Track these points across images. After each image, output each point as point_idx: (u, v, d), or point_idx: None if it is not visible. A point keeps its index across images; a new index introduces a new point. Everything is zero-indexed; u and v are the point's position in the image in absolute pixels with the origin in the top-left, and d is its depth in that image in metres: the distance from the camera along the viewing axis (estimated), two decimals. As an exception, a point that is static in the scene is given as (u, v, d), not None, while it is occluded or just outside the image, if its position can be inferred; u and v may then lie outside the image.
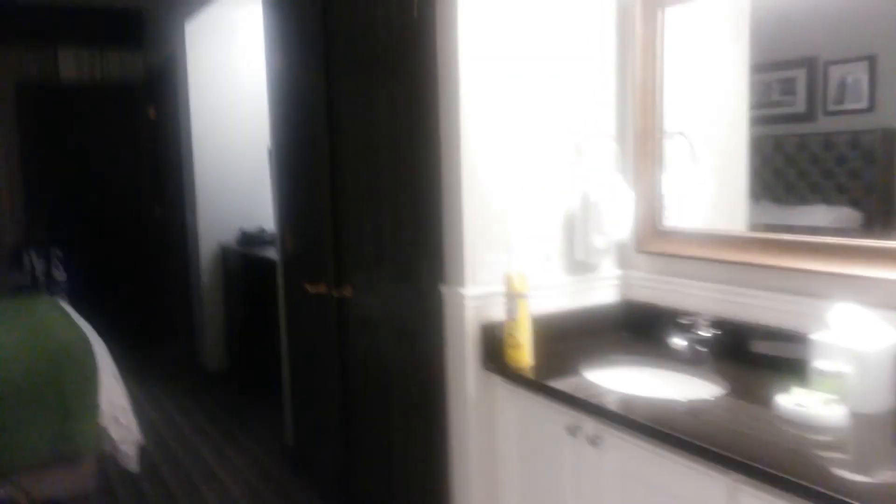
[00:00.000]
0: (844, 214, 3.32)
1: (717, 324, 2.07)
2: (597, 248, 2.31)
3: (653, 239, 2.33)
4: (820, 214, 3.31)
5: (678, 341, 2.09)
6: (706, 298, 2.16)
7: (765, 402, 1.71)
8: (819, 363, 1.77)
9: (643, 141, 2.31)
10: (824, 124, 3.42)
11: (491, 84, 2.12)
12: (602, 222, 2.27)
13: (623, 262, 2.44)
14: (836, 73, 3.45)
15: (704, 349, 2.07)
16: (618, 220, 2.28)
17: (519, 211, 2.22)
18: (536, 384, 1.95)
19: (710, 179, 2.48)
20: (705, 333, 2.07)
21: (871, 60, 3.31)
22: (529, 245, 2.24)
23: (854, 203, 3.20)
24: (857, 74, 3.38)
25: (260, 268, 4.75)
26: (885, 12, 3.11)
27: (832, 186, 3.35)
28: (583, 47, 2.31)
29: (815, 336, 1.77)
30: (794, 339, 1.87)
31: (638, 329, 2.35)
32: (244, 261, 4.94)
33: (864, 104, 3.35)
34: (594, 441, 1.76)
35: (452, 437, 2.20)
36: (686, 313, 2.12)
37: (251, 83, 5.02)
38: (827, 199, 3.31)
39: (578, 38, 2.30)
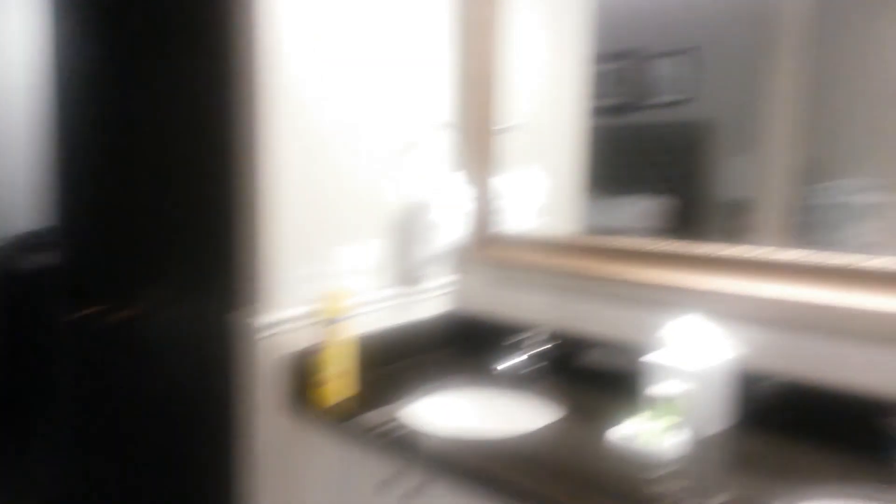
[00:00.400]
0: (661, 205, 3.28)
1: (555, 337, 1.81)
2: (429, 255, 1.98)
3: (487, 244, 2.05)
4: (644, 204, 3.24)
5: (513, 358, 1.81)
6: (543, 309, 1.91)
7: (602, 428, 1.62)
8: (655, 387, 1.56)
9: (478, 135, 1.99)
10: (646, 116, 3.35)
11: (301, 65, 1.70)
12: (435, 226, 1.94)
13: (458, 269, 2.13)
14: (658, 65, 3.39)
15: (541, 366, 1.81)
16: (453, 224, 1.96)
17: (338, 215, 1.83)
18: (345, 426, 1.59)
19: (548, 176, 2.22)
20: (542, 348, 1.80)
21: (692, 53, 3.26)
22: (351, 255, 1.86)
23: (670, 194, 3.16)
24: (678, 67, 3.33)
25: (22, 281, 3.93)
26: (707, 4, 3.05)
27: (651, 177, 3.32)
28: (416, 29, 1.95)
29: (649, 356, 1.56)
30: (634, 352, 1.65)
31: (473, 344, 2.07)
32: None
33: (683, 96, 3.30)
34: (410, 496, 1.44)
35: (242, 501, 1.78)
36: (523, 326, 1.85)
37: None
38: (651, 190, 3.26)
39: (411, 19, 1.93)
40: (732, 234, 2.99)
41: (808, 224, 2.93)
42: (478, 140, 2.08)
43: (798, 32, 2.33)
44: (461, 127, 2.13)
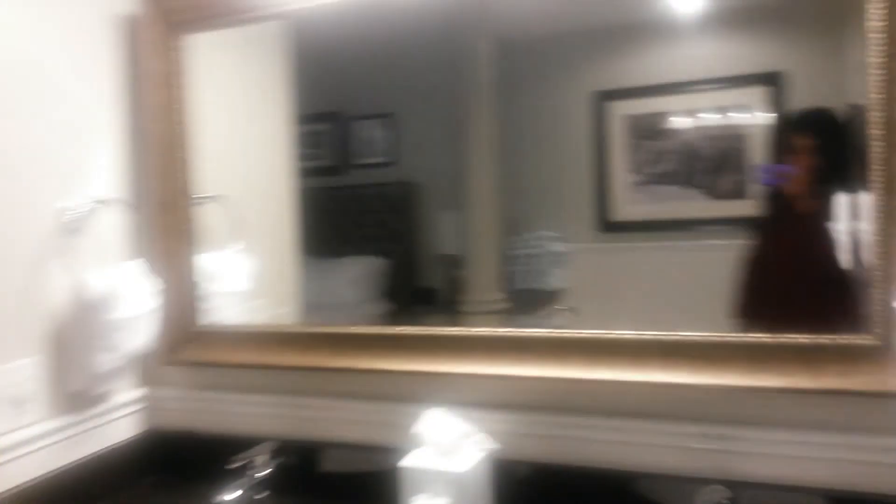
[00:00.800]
0: (376, 264, 3.10)
1: (285, 450, 1.40)
2: (104, 370, 1.46)
3: (187, 344, 1.59)
4: (355, 266, 3.03)
5: (238, 484, 1.37)
6: (266, 418, 1.49)
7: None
8: (411, 500, 1.26)
9: (166, 210, 1.54)
10: (353, 177, 3.19)
11: None
12: (111, 329, 1.43)
13: (148, 378, 1.62)
14: (358, 128, 3.27)
15: (271, 487, 1.39)
16: (136, 324, 1.46)
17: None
18: None
19: (258, 251, 1.82)
20: (265, 470, 1.38)
21: (389, 118, 3.18)
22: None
23: (384, 252, 3.01)
24: (377, 130, 3.23)
25: None
26: (400, 74, 3.00)
27: (363, 237, 3.15)
28: (80, 84, 1.44)
29: (400, 459, 1.24)
30: (383, 455, 1.33)
31: (180, 472, 1.56)
32: None
33: (385, 158, 3.21)
34: None
35: None
36: (244, 441, 1.41)
37: None
38: (360, 251, 3.08)
39: (73, 71, 1.42)
40: (454, 290, 2.92)
41: (517, 273, 2.95)
42: (165, 217, 1.63)
43: (485, 104, 2.31)
44: (143, 202, 1.65)
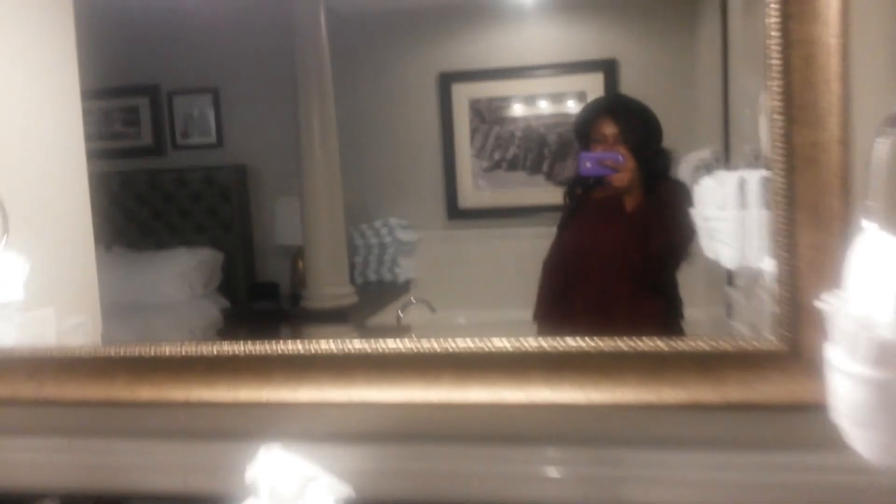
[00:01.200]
0: (207, 256, 2.73)
1: None
2: None
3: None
4: (182, 259, 2.63)
5: None
6: (46, 466, 1.09)
7: None
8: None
9: None
10: (175, 159, 2.78)
11: None
12: None
13: None
14: (181, 104, 2.84)
15: None
16: None
17: None
18: None
19: (37, 250, 1.38)
20: None
21: (215, 94, 2.80)
22: None
23: (215, 243, 2.65)
24: (203, 107, 2.83)
25: None
26: (225, 46, 2.63)
27: (191, 227, 2.75)
28: None
29: None
30: None
31: None
32: None
33: (212, 139, 2.83)
34: None
35: None
36: (12, 498, 1.01)
37: None
38: (188, 241, 2.68)
39: None
40: (296, 284, 2.59)
41: (365, 263, 2.69)
42: None
43: (323, 81, 2.02)
44: None
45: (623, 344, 0.86)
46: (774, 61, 0.78)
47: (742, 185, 1.01)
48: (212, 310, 2.48)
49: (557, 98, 2.40)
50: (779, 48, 0.78)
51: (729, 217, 1.03)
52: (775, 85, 0.79)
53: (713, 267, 1.44)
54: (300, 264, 2.30)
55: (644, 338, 0.85)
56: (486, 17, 2.62)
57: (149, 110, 2.96)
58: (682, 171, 2.15)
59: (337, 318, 1.97)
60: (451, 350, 0.90)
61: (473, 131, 2.72)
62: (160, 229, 2.81)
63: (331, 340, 0.91)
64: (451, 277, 2.56)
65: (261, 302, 2.67)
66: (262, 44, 2.74)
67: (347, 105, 2.66)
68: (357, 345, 0.92)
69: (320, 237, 1.99)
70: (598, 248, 1.44)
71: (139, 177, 2.76)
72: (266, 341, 0.97)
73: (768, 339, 0.83)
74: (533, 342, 0.89)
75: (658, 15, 2.44)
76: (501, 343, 0.89)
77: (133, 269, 2.76)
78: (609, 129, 1.41)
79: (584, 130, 1.48)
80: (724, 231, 1.04)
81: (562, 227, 1.51)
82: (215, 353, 0.97)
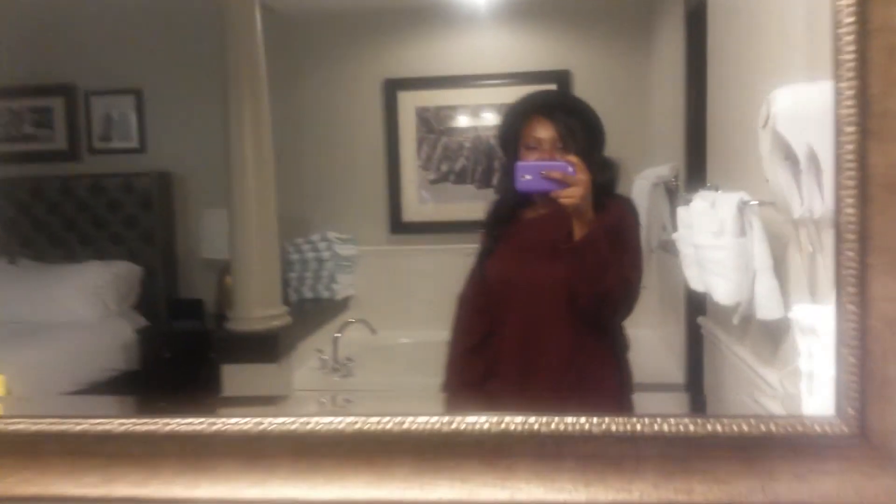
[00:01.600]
0: (124, 270, 2.40)
1: None
2: None
3: None
4: (95, 273, 2.29)
5: None
6: None
7: None
8: None
9: None
10: (92, 164, 2.44)
11: None
12: None
13: None
14: (99, 105, 2.51)
15: None
16: None
17: None
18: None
19: None
20: None
21: (138, 95, 2.48)
22: None
23: (133, 256, 2.33)
24: (124, 109, 2.50)
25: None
26: (151, 43, 2.33)
27: (107, 238, 2.42)
28: None
29: None
30: None
31: None
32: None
33: (134, 143, 2.50)
34: None
35: None
36: None
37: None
38: (102, 254, 2.35)
39: None
40: (223, 302, 2.30)
41: (301, 280, 2.42)
42: None
43: (257, 83, 1.74)
44: None
45: (638, 423, 0.60)
46: (846, 56, 0.54)
47: (742, 209, 0.78)
48: (126, 330, 2.14)
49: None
50: (853, 39, 0.54)
51: (726, 246, 0.80)
52: (846, 87, 0.55)
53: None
54: (227, 281, 1.99)
55: (665, 418, 0.59)
56: (436, 23, 2.42)
57: (63, 111, 2.65)
58: (638, 187, 1.94)
59: (266, 342, 1.67)
60: (409, 429, 0.62)
61: (420, 141, 2.51)
62: (72, 241, 2.47)
63: (245, 420, 0.62)
64: (394, 295, 2.37)
65: (183, 321, 2.34)
66: (192, 41, 2.46)
67: (284, 110, 2.40)
68: (279, 423, 0.63)
69: (250, 251, 1.70)
70: (534, 285, 1.08)
71: (51, 183, 2.42)
72: (155, 419, 0.66)
73: (828, 419, 0.58)
74: (519, 420, 0.62)
75: (614, 27, 2.30)
76: (477, 421, 0.62)
77: (40, 284, 2.40)
78: (545, 131, 1.09)
79: (513, 135, 1.13)
80: (719, 262, 0.81)
81: (483, 257, 1.15)
82: (80, 429, 0.66)
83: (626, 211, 1.12)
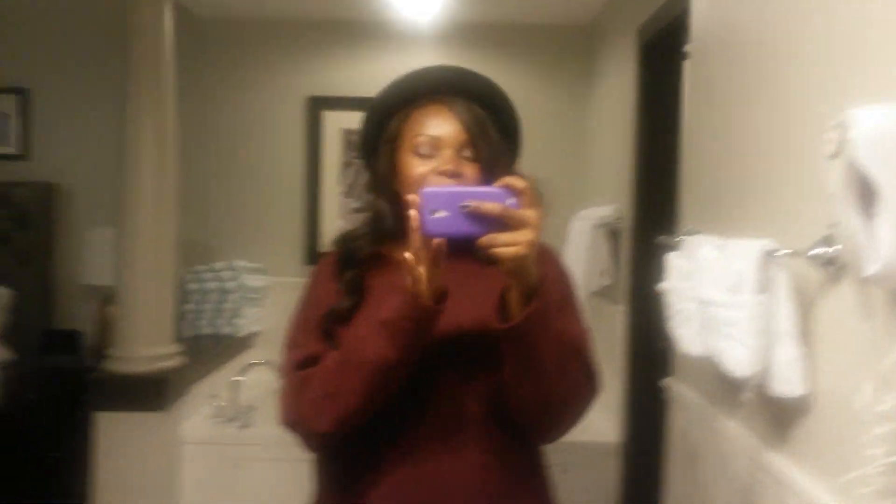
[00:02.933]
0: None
1: None
2: None
3: None
4: None
5: None
6: None
7: None
8: None
9: None
10: None
11: None
12: None
13: None
14: None
15: None
16: None
17: None
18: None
19: None
20: None
21: (23, 94, 2.14)
22: None
23: (3, 278, 1.96)
24: (5, 110, 2.16)
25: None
26: (42, 38, 2.05)
27: None
28: None
29: None
30: None
31: None
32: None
33: (13, 148, 2.16)
34: None
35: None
36: None
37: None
38: None
39: None
40: (105, 335, 1.96)
41: (200, 314, 2.11)
42: None
43: (162, 91, 1.50)
44: None
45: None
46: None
47: (767, 261, 0.60)
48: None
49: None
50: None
51: (744, 304, 0.61)
52: None
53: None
54: (111, 311, 1.67)
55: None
56: (371, 40, 2.25)
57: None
58: (577, 228, 1.77)
59: (152, 387, 1.38)
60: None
61: (345, 166, 2.28)
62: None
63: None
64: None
65: (56, 356, 1.99)
66: (92, 38, 2.17)
67: (194, 123, 2.13)
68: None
69: (141, 278, 1.42)
70: (428, 380, 0.68)
71: None
72: None
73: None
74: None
75: (557, 56, 2.20)
76: None
77: None
78: (444, 127, 0.70)
79: (391, 133, 0.74)
80: (734, 323, 0.62)
81: (333, 320, 0.71)
82: None
83: (562, 266, 0.77)
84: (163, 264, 1.50)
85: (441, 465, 0.68)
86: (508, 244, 0.58)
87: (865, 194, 0.47)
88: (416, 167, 0.71)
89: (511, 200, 0.58)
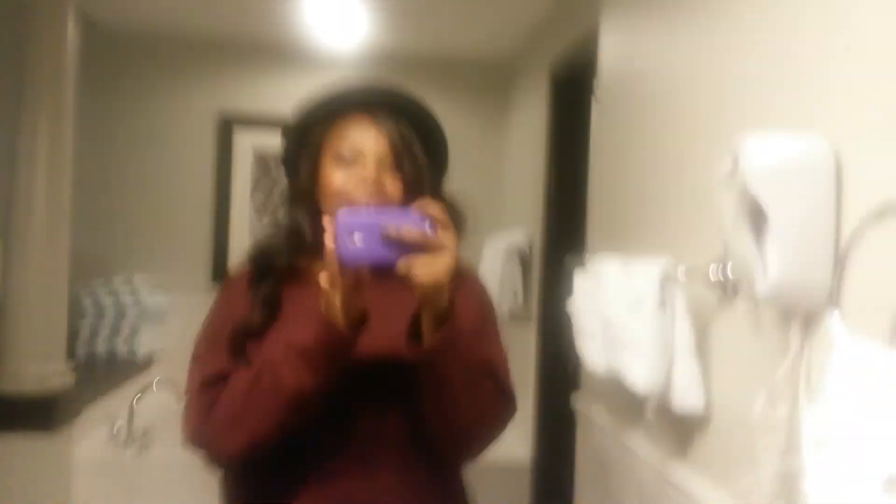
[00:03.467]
0: None
1: None
2: None
3: None
4: None
5: None
6: None
7: None
8: None
9: None
10: None
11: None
12: None
13: None
14: None
15: None
16: None
17: None
18: None
19: None
20: None
21: None
22: None
23: None
24: None
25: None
26: None
27: None
28: None
29: None
30: None
31: None
32: None
33: None
34: None
35: None
36: None
37: None
38: None
39: None
40: None
41: (94, 331, 1.98)
42: None
43: (59, 96, 1.44)
44: None
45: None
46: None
47: (666, 280, 0.65)
48: None
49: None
50: None
51: (645, 321, 0.66)
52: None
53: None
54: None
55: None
56: (288, 59, 2.22)
57: None
58: (491, 252, 1.82)
59: (41, 406, 1.28)
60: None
61: (255, 183, 2.23)
62: None
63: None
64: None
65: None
66: None
67: (93, 132, 2.02)
68: None
69: (29, 292, 1.33)
70: (351, 411, 0.67)
71: None
72: None
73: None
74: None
75: (473, 93, 2.25)
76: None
77: None
78: (368, 138, 0.69)
79: (312, 140, 0.72)
80: (636, 339, 0.67)
81: (241, 336, 0.69)
82: None
83: (482, 287, 0.77)
84: (54, 276, 1.41)
85: (357, 486, 0.67)
86: (427, 268, 0.57)
87: (756, 219, 0.51)
88: (337, 175, 0.69)
89: (426, 225, 0.58)
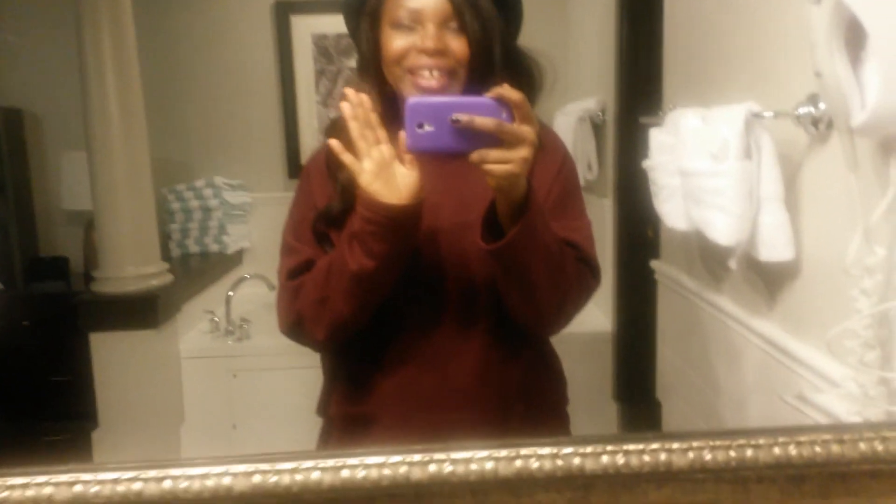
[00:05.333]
0: None
1: None
2: None
3: None
4: None
5: None
6: None
7: None
8: None
9: None
10: None
11: None
12: None
13: None
14: None
15: None
16: None
17: None
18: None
19: None
20: None
21: None
22: None
23: None
24: None
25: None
26: None
27: None
28: None
29: None
30: None
31: None
32: None
33: None
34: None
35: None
36: None
37: None
38: None
39: None
40: (91, 259, 1.96)
41: (183, 233, 2.10)
42: None
43: (110, 8, 1.39)
44: None
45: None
46: None
47: (750, 126, 0.59)
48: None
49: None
50: None
51: (729, 171, 0.60)
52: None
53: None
54: (95, 235, 1.65)
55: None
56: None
57: None
58: (562, 124, 1.73)
59: (143, 305, 1.38)
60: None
61: (319, 74, 2.20)
62: None
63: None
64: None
65: (44, 283, 1.97)
66: None
67: (155, 37, 2.02)
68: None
69: (118, 200, 1.40)
70: (427, 278, 0.68)
71: None
72: None
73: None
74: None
75: None
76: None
77: None
78: (428, 0, 0.63)
79: (366, 15, 0.68)
80: (719, 191, 0.61)
81: (327, 220, 0.68)
82: None
83: (567, 154, 0.72)
84: (139, 184, 1.47)
85: (447, 363, 0.68)
86: (501, 161, 0.54)
87: (853, 39, 0.45)
88: (396, 43, 0.65)
89: (503, 115, 0.53)
